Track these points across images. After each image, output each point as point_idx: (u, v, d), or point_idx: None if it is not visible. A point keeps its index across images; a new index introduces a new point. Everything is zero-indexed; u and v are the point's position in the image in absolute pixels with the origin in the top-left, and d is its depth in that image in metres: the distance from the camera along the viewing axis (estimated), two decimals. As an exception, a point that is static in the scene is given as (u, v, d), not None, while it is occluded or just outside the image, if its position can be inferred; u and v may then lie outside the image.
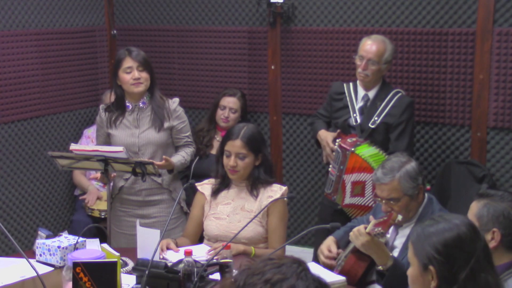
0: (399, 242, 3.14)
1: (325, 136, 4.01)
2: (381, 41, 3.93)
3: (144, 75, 3.72)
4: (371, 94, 3.97)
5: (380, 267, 2.94)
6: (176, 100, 3.84)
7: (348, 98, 4.01)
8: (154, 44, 5.13)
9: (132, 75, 3.70)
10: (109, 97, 4.77)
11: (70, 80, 4.96)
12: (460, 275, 1.99)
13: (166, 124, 3.75)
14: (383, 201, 3.10)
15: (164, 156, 3.61)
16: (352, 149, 3.75)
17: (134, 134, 3.74)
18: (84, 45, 5.08)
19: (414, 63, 4.34)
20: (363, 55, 3.90)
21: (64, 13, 4.90)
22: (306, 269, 1.55)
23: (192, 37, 5.06)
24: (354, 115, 3.97)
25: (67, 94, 4.94)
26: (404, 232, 3.14)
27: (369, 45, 3.90)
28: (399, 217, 3.04)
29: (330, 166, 3.93)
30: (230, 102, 4.61)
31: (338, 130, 3.96)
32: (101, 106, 3.89)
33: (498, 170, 4.17)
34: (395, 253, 3.09)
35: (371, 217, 3.15)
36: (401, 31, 4.34)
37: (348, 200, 3.84)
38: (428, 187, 3.87)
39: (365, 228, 2.93)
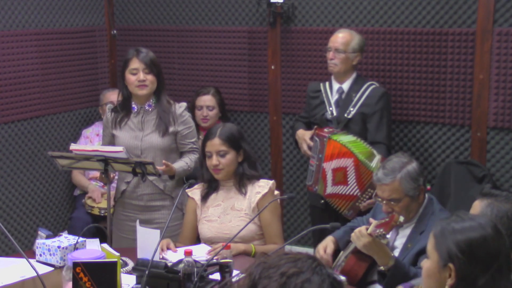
0: (399, 243, 3.14)
1: (302, 134, 4.13)
2: (348, 31, 4.11)
3: (150, 77, 3.67)
4: (345, 86, 4.08)
5: (381, 268, 2.94)
6: (183, 104, 3.80)
7: (324, 94, 4.13)
8: (154, 44, 5.13)
9: (137, 77, 3.65)
10: (108, 97, 4.79)
11: (70, 80, 4.96)
12: (479, 280, 1.95)
13: (170, 129, 3.70)
14: (384, 202, 3.10)
15: (164, 161, 3.57)
16: (329, 135, 3.84)
17: (138, 137, 3.71)
18: (84, 45, 5.08)
19: (414, 63, 4.34)
20: (330, 45, 4.07)
21: (64, 13, 4.90)
22: (321, 265, 1.57)
23: (192, 37, 5.06)
24: (330, 108, 4.08)
25: (67, 94, 4.94)
26: (405, 233, 3.14)
27: (335, 36, 4.08)
28: (401, 219, 3.04)
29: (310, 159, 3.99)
30: (205, 100, 4.61)
31: (315, 127, 4.03)
32: (108, 106, 3.87)
33: (498, 170, 4.17)
34: (396, 254, 3.09)
35: (371, 219, 3.15)
36: (401, 31, 4.34)
37: (330, 189, 3.87)
38: (428, 187, 3.88)
39: (367, 229, 2.93)
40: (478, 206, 2.53)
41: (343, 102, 4.04)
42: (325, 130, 3.92)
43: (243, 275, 1.60)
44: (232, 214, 3.34)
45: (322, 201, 4.05)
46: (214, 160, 3.33)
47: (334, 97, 4.09)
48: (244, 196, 3.36)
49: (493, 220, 2.45)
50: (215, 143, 3.33)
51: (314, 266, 1.55)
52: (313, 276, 1.53)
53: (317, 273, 1.54)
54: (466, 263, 1.97)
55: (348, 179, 3.80)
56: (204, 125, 4.57)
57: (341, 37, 4.03)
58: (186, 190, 3.46)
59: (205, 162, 3.40)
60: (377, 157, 3.77)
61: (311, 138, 4.01)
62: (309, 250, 4.42)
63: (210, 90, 4.67)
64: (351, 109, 4.01)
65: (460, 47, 4.19)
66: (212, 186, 3.44)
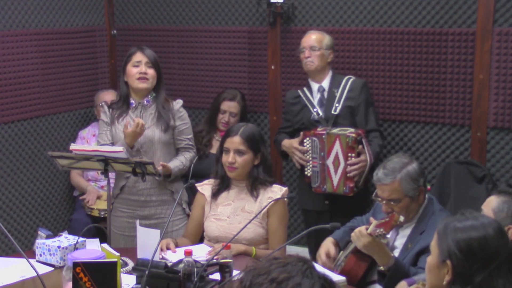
0: (399, 243, 3.14)
1: (290, 142, 4.17)
2: (318, 31, 4.23)
3: (151, 72, 3.74)
4: (325, 84, 4.17)
5: (381, 268, 2.94)
6: (180, 101, 3.87)
7: (304, 98, 4.19)
8: (154, 44, 5.12)
9: (140, 69, 3.72)
10: (102, 97, 4.79)
11: (70, 80, 4.96)
12: (476, 277, 1.97)
13: (170, 123, 3.77)
14: (384, 202, 3.10)
15: (161, 163, 3.61)
16: (327, 131, 3.95)
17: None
18: (84, 45, 5.08)
19: (414, 63, 4.34)
20: (304, 46, 4.17)
21: (64, 13, 4.90)
22: (311, 267, 1.56)
23: (192, 37, 5.06)
24: (315, 109, 4.14)
25: (67, 94, 4.94)
26: (405, 233, 3.14)
27: (307, 37, 4.18)
28: (401, 218, 3.04)
29: (308, 164, 4.05)
30: (230, 106, 4.57)
31: (301, 133, 4.10)
32: (105, 103, 3.92)
33: (498, 170, 4.17)
34: (396, 254, 3.09)
35: (371, 219, 3.15)
36: (401, 31, 4.34)
37: (336, 181, 3.98)
38: (428, 187, 3.89)
39: (366, 229, 2.92)
40: (494, 202, 2.54)
41: (327, 100, 4.12)
42: (319, 129, 4.01)
43: (236, 278, 1.60)
44: (242, 216, 3.33)
45: (327, 201, 4.08)
46: (230, 157, 3.31)
47: (316, 97, 4.16)
48: (256, 200, 3.34)
49: (510, 217, 2.46)
50: (235, 141, 3.32)
51: (304, 270, 1.54)
52: (303, 279, 1.52)
53: (307, 277, 1.53)
54: (463, 260, 1.99)
55: (339, 158, 3.94)
56: (222, 128, 4.56)
57: (313, 36, 4.16)
58: (196, 185, 3.45)
59: (221, 158, 3.39)
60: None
61: (301, 143, 4.07)
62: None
63: (236, 96, 4.59)
64: (337, 105, 4.08)
65: (460, 47, 4.19)
66: (224, 184, 3.42)
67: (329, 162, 3.97)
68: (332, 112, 4.07)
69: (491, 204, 2.55)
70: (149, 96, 3.79)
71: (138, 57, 3.75)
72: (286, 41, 4.71)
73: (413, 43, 4.32)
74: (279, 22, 4.70)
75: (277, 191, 3.34)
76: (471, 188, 4.01)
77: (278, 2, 4.62)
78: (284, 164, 4.86)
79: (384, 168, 3.11)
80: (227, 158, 3.32)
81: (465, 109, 4.21)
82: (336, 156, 3.95)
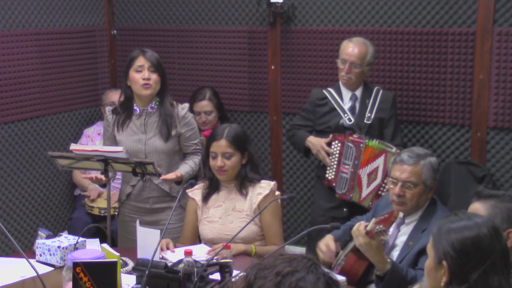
0: (400, 241, 3.14)
1: (317, 141, 4.02)
2: (363, 43, 4.00)
3: (155, 77, 3.64)
4: (358, 93, 4.05)
5: (378, 272, 2.93)
6: (186, 105, 3.78)
7: (333, 101, 4.05)
8: (154, 44, 5.13)
9: (143, 74, 3.62)
10: (110, 97, 4.79)
11: (70, 80, 4.96)
12: (471, 275, 1.98)
13: (173, 132, 3.69)
14: (399, 183, 3.09)
15: (177, 172, 3.60)
16: (366, 141, 3.83)
17: (141, 141, 3.69)
18: (84, 45, 5.08)
19: (414, 63, 4.34)
20: (345, 58, 3.96)
21: (64, 13, 4.90)
22: (316, 264, 1.59)
23: (192, 37, 5.06)
24: (346, 115, 4.01)
25: (67, 94, 4.94)
26: (406, 230, 3.14)
27: (351, 48, 3.96)
28: (400, 215, 3.06)
29: (331, 167, 3.94)
30: (202, 106, 4.58)
31: (331, 135, 3.98)
32: (107, 109, 3.82)
33: (498, 170, 4.17)
34: (396, 252, 3.10)
35: (373, 219, 3.15)
36: (401, 31, 4.34)
37: (365, 193, 3.87)
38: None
39: (366, 226, 2.91)
40: (482, 210, 2.47)
41: (359, 108, 4.01)
42: (354, 136, 3.90)
43: (240, 275, 1.62)
44: (233, 215, 3.34)
45: (345, 209, 4.00)
46: (219, 162, 3.31)
47: (347, 104, 4.03)
48: (245, 198, 3.36)
49: (505, 220, 2.44)
50: (222, 145, 3.31)
51: (309, 265, 1.57)
52: (308, 274, 1.55)
53: (312, 272, 1.56)
54: (457, 260, 2.00)
55: (378, 173, 3.84)
56: (203, 128, 4.56)
57: (355, 50, 3.94)
58: (187, 191, 3.46)
59: (208, 162, 3.39)
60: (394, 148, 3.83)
61: (329, 145, 3.95)
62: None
63: (206, 95, 4.60)
64: (369, 114, 3.98)
65: (460, 47, 4.19)
66: (213, 186, 3.43)
67: (363, 172, 3.85)
68: (365, 121, 3.97)
69: (481, 212, 2.50)
70: (154, 103, 3.70)
71: (140, 61, 3.64)
72: (286, 41, 4.71)
73: (413, 43, 4.32)
74: (279, 22, 4.70)
75: (266, 186, 3.36)
76: (471, 188, 4.00)
77: (278, 2, 4.62)
78: (284, 164, 4.86)
79: (410, 152, 3.17)
80: (216, 163, 3.32)
81: (465, 109, 4.21)
82: (375, 170, 3.83)
